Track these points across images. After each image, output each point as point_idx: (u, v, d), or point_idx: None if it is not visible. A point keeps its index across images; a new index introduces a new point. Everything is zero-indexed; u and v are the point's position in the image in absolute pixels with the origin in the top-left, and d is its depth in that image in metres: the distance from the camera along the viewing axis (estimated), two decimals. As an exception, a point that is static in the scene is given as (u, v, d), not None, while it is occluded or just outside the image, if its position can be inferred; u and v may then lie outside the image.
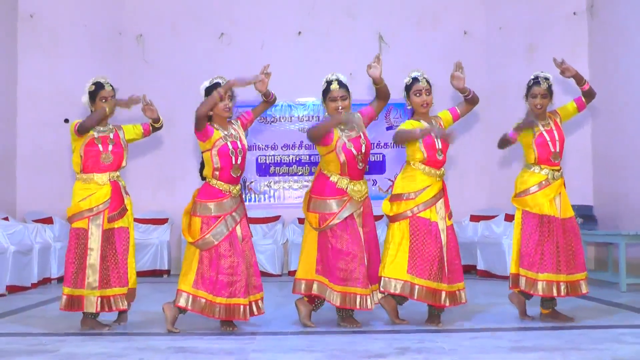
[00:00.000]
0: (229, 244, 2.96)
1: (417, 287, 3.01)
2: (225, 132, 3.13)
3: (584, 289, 3.15)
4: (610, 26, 5.66)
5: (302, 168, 6.61)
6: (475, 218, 6.12)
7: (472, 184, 6.41)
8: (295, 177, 6.62)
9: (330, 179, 3.12)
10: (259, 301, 3.04)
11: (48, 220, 5.65)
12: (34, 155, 6.10)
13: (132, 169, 5.92)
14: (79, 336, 2.90)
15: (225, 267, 2.93)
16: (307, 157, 6.63)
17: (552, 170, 3.19)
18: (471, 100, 3.29)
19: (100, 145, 3.12)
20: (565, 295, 3.12)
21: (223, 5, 6.62)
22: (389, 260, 3.05)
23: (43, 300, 4.26)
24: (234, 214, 3.01)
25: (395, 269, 3.02)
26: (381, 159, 6.58)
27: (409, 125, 3.22)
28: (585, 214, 5.37)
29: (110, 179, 3.13)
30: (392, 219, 3.14)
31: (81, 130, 3.10)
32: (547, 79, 3.23)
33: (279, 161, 6.62)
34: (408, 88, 3.32)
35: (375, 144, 6.62)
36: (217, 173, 3.03)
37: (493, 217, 5.94)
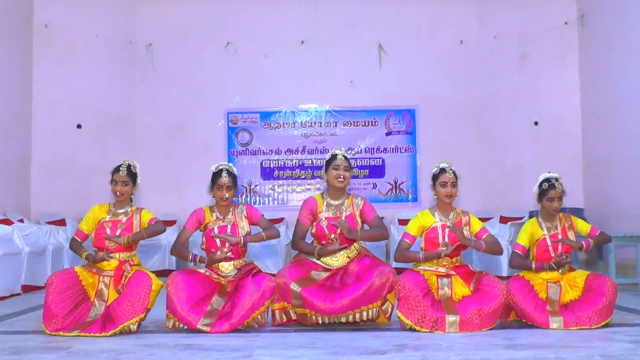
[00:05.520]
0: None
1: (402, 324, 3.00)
2: (219, 217, 3.20)
3: None
4: (600, 35, 5.76)
5: (305, 172, 6.75)
6: (470, 220, 6.24)
7: (467, 187, 6.54)
8: (299, 181, 6.76)
9: (313, 243, 3.23)
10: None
11: (61, 222, 5.76)
12: (48, 160, 6.24)
13: (143, 173, 6.07)
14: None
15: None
16: (310, 161, 6.78)
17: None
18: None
19: (108, 229, 3.12)
20: None
21: (229, 16, 6.78)
22: None
23: (56, 299, 4.37)
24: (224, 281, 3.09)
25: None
26: (381, 163, 6.71)
27: (419, 220, 3.18)
28: (576, 216, 5.46)
29: (120, 259, 3.11)
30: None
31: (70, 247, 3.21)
32: (557, 179, 3.20)
33: (282, 165, 6.75)
34: (435, 178, 3.21)
35: (375, 149, 6.76)
36: (204, 252, 3.19)
37: (488, 219, 6.03)
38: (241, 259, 3.22)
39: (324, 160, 3.27)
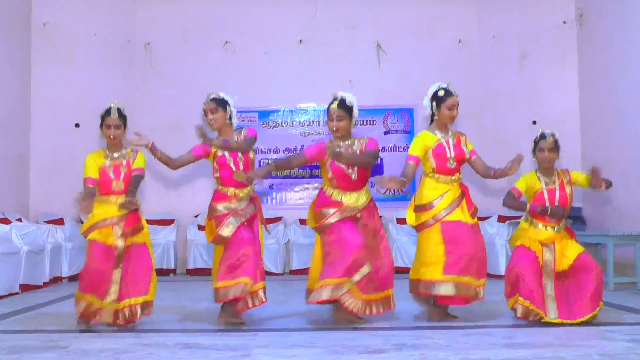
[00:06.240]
0: (240, 235, 3.13)
1: (452, 284, 3.08)
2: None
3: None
4: (599, 35, 5.77)
5: (303, 171, 6.75)
6: (469, 219, 6.27)
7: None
8: (297, 180, 6.76)
9: (326, 192, 3.26)
10: (260, 290, 3.15)
11: (59, 221, 5.76)
12: (46, 159, 6.24)
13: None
14: (89, 333, 2.97)
15: (241, 255, 3.10)
16: (309, 160, 6.77)
17: (545, 226, 3.25)
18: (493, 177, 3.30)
19: (111, 174, 3.18)
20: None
21: (228, 15, 6.78)
22: (422, 264, 3.18)
23: (55, 298, 4.36)
24: (240, 213, 3.18)
25: (433, 271, 3.14)
26: (379, 162, 6.72)
27: (421, 140, 3.26)
28: (575, 216, 5.48)
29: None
30: (417, 228, 3.28)
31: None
32: (552, 134, 3.30)
33: (281, 164, 6.76)
34: (440, 100, 3.28)
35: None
36: (220, 180, 3.24)
37: (487, 218, 6.04)
38: (250, 185, 3.27)
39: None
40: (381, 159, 6.73)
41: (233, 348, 2.58)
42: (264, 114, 6.82)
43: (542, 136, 3.32)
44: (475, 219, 3.27)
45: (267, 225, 3.38)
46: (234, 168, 3.20)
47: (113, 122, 3.19)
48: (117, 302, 3.07)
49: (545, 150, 3.28)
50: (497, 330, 2.98)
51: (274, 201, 6.75)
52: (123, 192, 3.17)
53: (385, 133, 6.75)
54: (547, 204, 3.24)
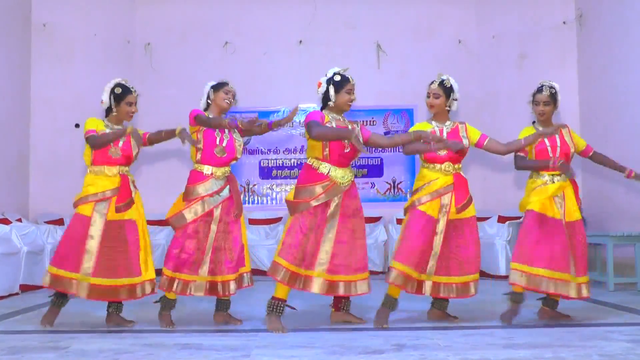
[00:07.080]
0: (199, 226, 3.08)
1: (395, 271, 3.07)
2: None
3: (584, 292, 3.12)
4: (598, 35, 5.77)
5: (304, 171, 6.76)
6: (469, 220, 6.27)
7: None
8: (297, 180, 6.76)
9: (313, 165, 3.19)
10: (230, 282, 3.11)
11: (59, 222, 5.78)
12: (46, 159, 6.26)
13: (141, 172, 6.09)
14: (89, 333, 2.97)
15: (190, 247, 3.07)
16: (308, 160, 6.77)
17: (552, 175, 3.23)
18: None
19: (111, 143, 3.19)
20: (554, 293, 3.11)
21: (228, 15, 6.79)
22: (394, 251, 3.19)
23: (55, 299, 4.38)
24: (215, 196, 3.12)
25: (394, 259, 3.13)
26: (379, 163, 6.72)
27: (417, 126, 3.37)
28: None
29: (120, 172, 3.20)
30: (404, 212, 3.30)
31: (95, 146, 3.14)
32: (551, 87, 3.30)
33: (280, 164, 6.76)
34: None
35: (373, 148, 6.75)
36: (199, 155, 3.18)
37: (486, 218, 6.04)
38: (229, 165, 3.25)
39: (328, 79, 3.24)
40: (381, 160, 6.73)
41: (233, 348, 2.58)
42: (264, 114, 6.80)
43: (539, 89, 3.34)
44: (462, 215, 3.20)
45: (238, 213, 3.21)
46: (217, 142, 3.16)
47: (135, 100, 3.25)
48: (92, 277, 3.05)
49: (541, 103, 3.31)
50: (496, 330, 2.98)
51: (274, 201, 6.75)
52: (118, 163, 3.19)
53: (386, 133, 6.74)
54: (549, 150, 3.22)
